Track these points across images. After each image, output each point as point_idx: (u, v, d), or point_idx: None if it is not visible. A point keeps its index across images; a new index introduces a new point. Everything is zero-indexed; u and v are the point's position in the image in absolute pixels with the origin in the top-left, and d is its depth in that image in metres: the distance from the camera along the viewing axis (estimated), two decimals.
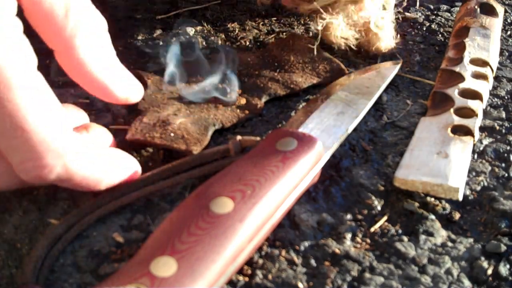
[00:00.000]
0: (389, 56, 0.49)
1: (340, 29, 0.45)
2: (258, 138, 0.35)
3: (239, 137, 0.35)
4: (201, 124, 0.38)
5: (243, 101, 0.41)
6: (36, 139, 0.27)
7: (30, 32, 0.28)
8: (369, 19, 0.45)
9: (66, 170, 0.28)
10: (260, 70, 0.45)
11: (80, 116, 0.34)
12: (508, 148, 0.39)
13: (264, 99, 0.42)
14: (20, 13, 0.28)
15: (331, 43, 0.47)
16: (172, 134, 0.36)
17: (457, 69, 0.44)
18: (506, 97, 0.44)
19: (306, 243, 0.31)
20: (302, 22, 0.53)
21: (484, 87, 0.43)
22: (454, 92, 0.41)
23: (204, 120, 0.39)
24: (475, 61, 0.45)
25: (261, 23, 0.54)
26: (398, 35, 0.49)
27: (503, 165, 0.37)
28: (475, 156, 0.38)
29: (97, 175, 0.30)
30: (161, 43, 0.49)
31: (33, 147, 0.27)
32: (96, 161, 0.30)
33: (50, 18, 0.28)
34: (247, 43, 0.50)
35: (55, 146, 0.27)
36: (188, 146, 0.36)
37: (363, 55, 0.49)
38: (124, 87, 0.33)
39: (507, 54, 0.50)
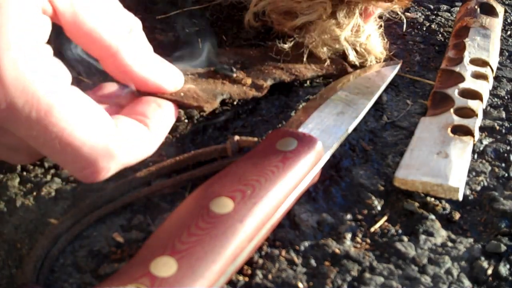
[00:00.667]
0: (389, 56, 0.49)
1: (315, 47, 0.45)
2: (256, 139, 0.35)
3: (237, 137, 0.35)
4: (210, 92, 0.38)
5: (248, 81, 0.41)
6: (86, 150, 0.28)
7: None
8: (344, 42, 0.45)
9: (121, 165, 0.30)
10: (263, 62, 0.45)
11: None
12: (508, 148, 0.39)
13: (269, 82, 0.42)
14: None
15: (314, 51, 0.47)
16: (182, 94, 0.36)
17: (457, 69, 0.44)
18: (506, 97, 0.44)
19: (306, 243, 0.31)
20: None
21: (484, 87, 0.43)
22: (454, 92, 0.41)
23: (212, 90, 0.38)
24: (475, 61, 0.45)
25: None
26: (388, 45, 0.48)
27: (503, 165, 0.37)
28: (475, 156, 0.38)
29: (145, 150, 0.32)
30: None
31: (85, 157, 0.28)
32: (141, 139, 0.31)
33: (95, 35, 0.30)
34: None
35: (106, 151, 0.29)
36: (199, 103, 0.36)
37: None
38: (170, 77, 0.34)
39: (507, 54, 0.50)
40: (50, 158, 0.29)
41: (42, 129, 0.27)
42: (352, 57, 0.45)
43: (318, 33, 0.44)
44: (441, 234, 0.32)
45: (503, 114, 0.42)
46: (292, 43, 0.45)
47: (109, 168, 0.29)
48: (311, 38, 0.45)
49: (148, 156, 0.32)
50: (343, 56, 0.46)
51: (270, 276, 0.29)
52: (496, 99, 0.44)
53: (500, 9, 0.54)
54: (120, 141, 0.30)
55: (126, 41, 0.31)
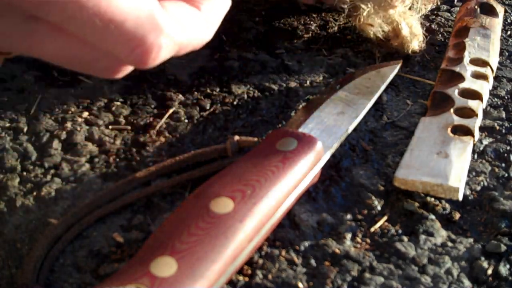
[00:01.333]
0: (389, 56, 0.49)
1: (368, 16, 0.45)
2: (256, 139, 0.35)
3: (237, 137, 0.35)
4: None
5: None
6: (130, 24, 0.26)
7: None
8: (397, 16, 0.46)
9: (175, 43, 0.28)
10: None
11: None
12: (508, 148, 0.39)
13: None
14: None
15: (359, 29, 0.47)
16: None
17: (457, 69, 0.44)
18: (506, 97, 0.44)
19: (306, 243, 0.31)
20: (302, 22, 0.53)
21: (484, 87, 0.43)
22: (454, 92, 0.41)
23: None
24: (475, 61, 0.45)
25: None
26: (425, 41, 0.49)
27: (503, 165, 0.37)
28: (475, 156, 0.38)
29: (199, 33, 0.30)
30: None
31: (131, 32, 0.26)
32: (191, 19, 0.29)
33: None
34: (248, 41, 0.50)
35: (152, 24, 0.27)
36: None
37: (363, 55, 0.49)
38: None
39: (507, 54, 0.50)
40: (98, 45, 0.27)
41: (77, 6, 0.25)
42: (406, 32, 0.46)
43: (373, 4, 0.45)
44: (441, 234, 0.32)
45: (503, 114, 0.42)
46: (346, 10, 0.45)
47: (161, 44, 0.27)
48: (365, 8, 0.45)
49: (204, 42, 0.30)
50: (393, 34, 0.47)
51: (270, 276, 0.30)
52: (496, 99, 0.44)
53: (500, 9, 0.54)
54: (167, 16, 0.27)
55: None
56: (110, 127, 0.40)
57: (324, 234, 0.32)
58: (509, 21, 0.57)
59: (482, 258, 0.31)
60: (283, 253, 0.31)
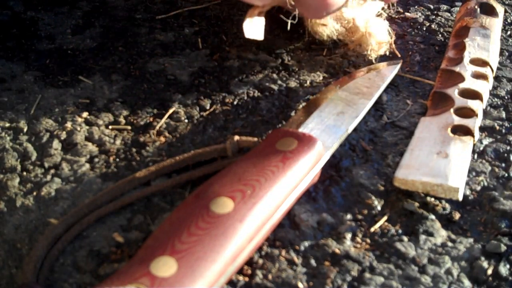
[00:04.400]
0: (389, 56, 0.49)
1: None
2: (256, 139, 0.35)
3: (236, 137, 0.35)
4: None
5: None
6: None
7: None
8: (354, 16, 0.44)
9: None
10: None
11: None
12: (508, 148, 0.39)
13: None
14: None
15: (312, 32, 0.46)
16: None
17: (457, 69, 0.44)
18: (506, 97, 0.44)
19: (306, 243, 0.31)
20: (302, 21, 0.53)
21: (484, 87, 0.43)
22: (454, 92, 0.41)
23: None
24: (475, 61, 0.45)
25: None
26: (393, 36, 0.47)
27: (503, 165, 0.37)
28: (475, 156, 0.38)
29: None
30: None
31: None
32: None
33: None
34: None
35: None
36: None
37: (363, 55, 0.49)
38: None
39: (507, 54, 0.50)
40: None
41: None
42: (363, 32, 0.44)
43: None
44: (441, 234, 0.32)
45: (503, 114, 0.42)
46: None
47: None
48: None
49: None
50: (349, 36, 0.45)
51: (270, 276, 0.30)
52: (496, 99, 0.44)
53: (500, 9, 0.54)
54: None
55: None
56: (110, 127, 0.40)
57: (324, 234, 0.32)
58: (509, 21, 0.57)
59: (482, 258, 0.31)
60: (283, 253, 0.31)
